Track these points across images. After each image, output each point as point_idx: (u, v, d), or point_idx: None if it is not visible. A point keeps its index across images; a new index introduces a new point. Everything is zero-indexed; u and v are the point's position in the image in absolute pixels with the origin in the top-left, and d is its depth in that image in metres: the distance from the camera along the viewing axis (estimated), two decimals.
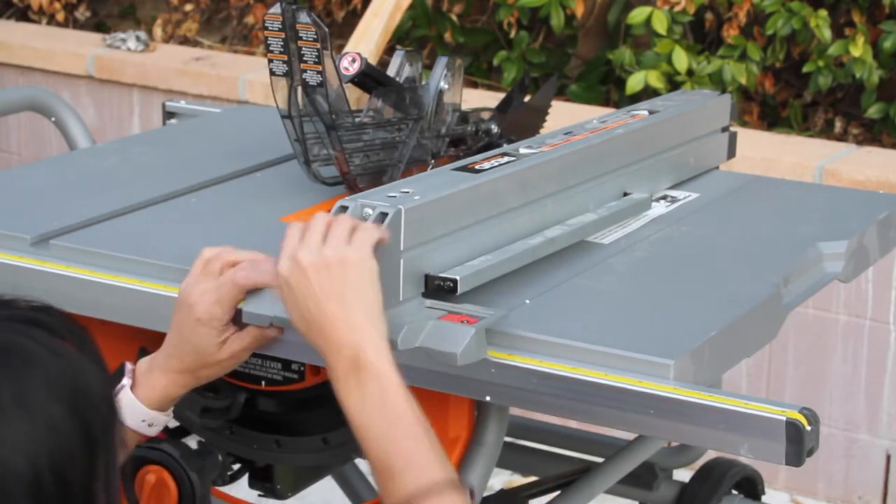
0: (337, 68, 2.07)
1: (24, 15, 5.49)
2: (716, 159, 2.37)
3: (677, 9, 4.30)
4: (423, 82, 2.19)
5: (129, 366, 1.77)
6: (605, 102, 4.54)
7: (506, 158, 1.93)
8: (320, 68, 2.04)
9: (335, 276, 1.59)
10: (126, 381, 1.76)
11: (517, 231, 1.90)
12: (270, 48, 2.05)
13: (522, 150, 1.97)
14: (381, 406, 1.57)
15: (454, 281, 1.73)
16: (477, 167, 1.89)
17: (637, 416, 1.61)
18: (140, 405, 1.76)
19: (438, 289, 1.74)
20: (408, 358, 1.65)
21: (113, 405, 1.32)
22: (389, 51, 4.15)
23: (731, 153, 2.40)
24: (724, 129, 2.38)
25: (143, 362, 1.77)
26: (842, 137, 4.33)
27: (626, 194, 2.11)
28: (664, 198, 2.19)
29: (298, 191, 2.16)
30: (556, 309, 1.78)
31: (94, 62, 4.76)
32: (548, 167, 1.95)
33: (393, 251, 1.68)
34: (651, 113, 2.21)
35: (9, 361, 1.25)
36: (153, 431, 1.79)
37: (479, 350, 1.65)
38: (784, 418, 1.54)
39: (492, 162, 1.91)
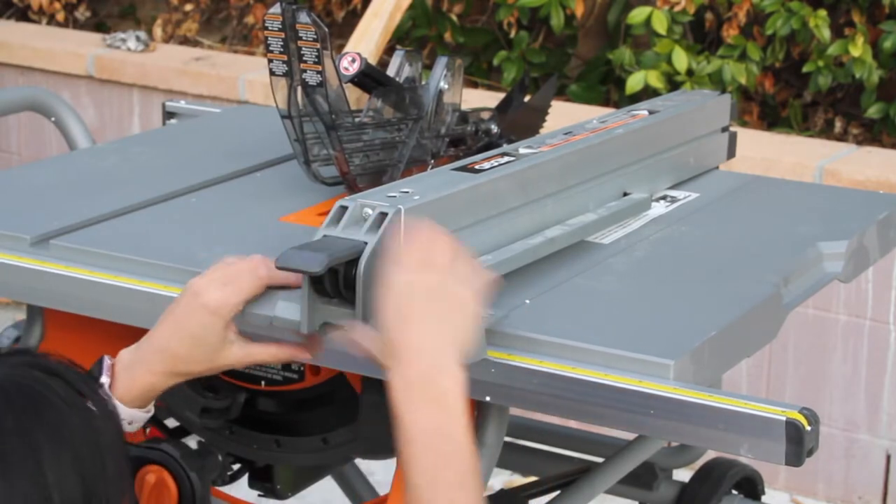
0: (337, 68, 2.07)
1: (24, 15, 5.50)
2: (716, 159, 2.37)
3: (677, 9, 4.30)
4: (423, 82, 2.19)
5: (107, 360, 1.71)
6: (605, 102, 4.54)
7: (506, 158, 1.93)
8: (320, 68, 2.03)
9: (444, 301, 1.54)
10: (105, 378, 1.69)
11: (517, 231, 1.89)
12: (270, 48, 2.05)
13: (522, 150, 1.97)
14: (436, 434, 1.47)
15: None
16: (477, 167, 1.89)
17: (637, 416, 1.61)
18: (118, 404, 1.68)
19: None
20: None
21: (123, 467, 1.31)
22: (389, 51, 4.15)
23: (731, 153, 2.40)
24: (724, 129, 2.38)
25: (125, 355, 1.71)
26: (842, 137, 4.33)
27: (626, 194, 2.11)
28: (664, 198, 2.19)
29: (298, 191, 2.16)
30: (556, 309, 1.78)
31: (94, 62, 4.76)
32: (548, 167, 1.95)
33: (392, 250, 1.68)
34: (651, 113, 2.21)
35: (24, 407, 1.25)
36: (133, 429, 1.72)
37: (478, 351, 1.65)
38: (784, 418, 1.54)
39: (492, 162, 1.91)
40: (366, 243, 1.65)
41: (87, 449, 1.27)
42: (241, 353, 1.70)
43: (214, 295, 1.67)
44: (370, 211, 1.69)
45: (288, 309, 1.70)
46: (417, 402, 1.48)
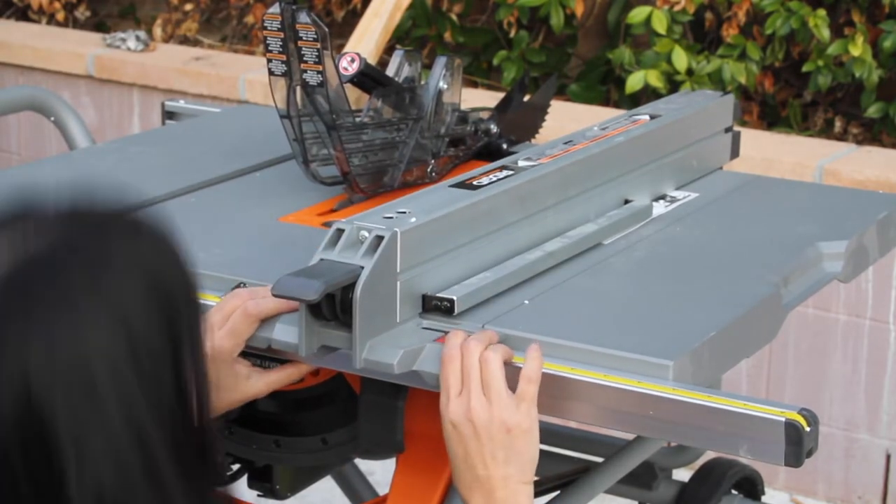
0: (337, 68, 2.07)
1: (24, 15, 5.49)
2: (719, 160, 2.36)
3: (677, 8, 4.30)
4: (423, 82, 2.19)
5: None
6: (605, 102, 4.54)
7: (504, 172, 1.92)
8: (320, 68, 2.03)
9: (504, 442, 1.62)
10: None
11: (516, 245, 1.89)
12: (269, 48, 2.05)
13: (521, 163, 1.96)
14: None
15: (451, 301, 1.73)
16: (475, 183, 1.88)
17: (637, 417, 1.61)
18: None
19: (436, 309, 1.74)
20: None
21: (195, 301, 1.32)
22: (389, 51, 4.15)
23: (735, 153, 2.40)
24: (728, 130, 2.37)
25: None
26: (842, 137, 4.33)
27: (627, 201, 2.10)
28: (664, 198, 2.19)
29: (298, 191, 2.16)
30: (556, 309, 1.78)
31: (94, 62, 4.76)
32: (547, 180, 1.95)
33: (389, 273, 1.68)
34: (653, 117, 2.20)
35: (88, 258, 1.24)
36: None
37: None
38: (783, 419, 1.54)
39: (490, 177, 1.90)
40: (362, 267, 1.65)
41: (158, 291, 1.27)
42: (261, 385, 1.77)
43: (209, 344, 1.68)
44: (366, 234, 1.69)
45: (286, 332, 1.72)
46: None
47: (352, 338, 1.65)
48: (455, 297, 1.73)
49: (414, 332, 1.70)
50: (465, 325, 1.71)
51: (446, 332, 1.69)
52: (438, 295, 1.73)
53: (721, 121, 2.35)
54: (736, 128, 2.40)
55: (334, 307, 1.66)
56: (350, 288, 1.64)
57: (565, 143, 2.05)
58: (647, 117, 2.20)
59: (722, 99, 2.35)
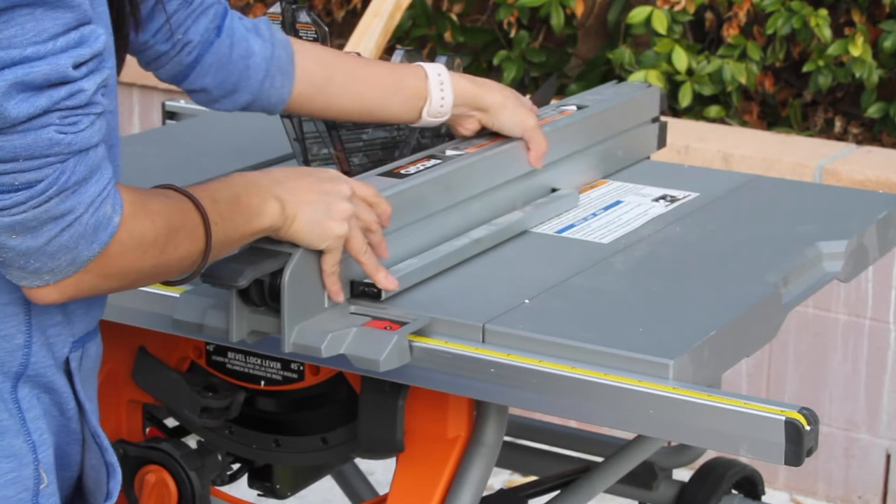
0: None
1: None
2: (645, 150, 2.41)
3: (677, 8, 4.30)
4: None
5: None
6: None
7: (432, 162, 1.97)
8: None
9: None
10: None
11: (444, 232, 1.93)
12: None
13: (449, 153, 2.01)
14: None
15: (378, 286, 1.76)
16: (402, 171, 1.92)
17: (637, 416, 1.61)
18: None
19: (363, 294, 1.77)
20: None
21: None
22: (389, 50, 4.15)
23: (662, 143, 2.44)
24: (654, 120, 2.41)
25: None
26: (842, 137, 4.33)
27: (554, 190, 2.14)
28: (664, 197, 2.19)
29: None
30: (555, 309, 1.78)
31: None
32: (473, 169, 1.99)
33: (317, 259, 1.71)
34: (579, 108, 2.25)
35: None
36: None
37: (401, 356, 1.68)
38: (783, 418, 1.54)
39: (417, 166, 1.95)
40: (290, 254, 1.68)
41: None
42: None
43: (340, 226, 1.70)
44: None
45: (216, 317, 1.74)
46: None
47: (280, 323, 1.68)
48: None
49: (342, 317, 1.73)
50: (392, 311, 1.74)
51: (373, 317, 1.72)
52: (366, 280, 1.76)
53: (647, 111, 2.40)
54: (662, 118, 2.43)
55: (263, 293, 1.69)
56: (278, 274, 1.67)
57: (492, 133, 2.09)
58: (573, 108, 2.25)
59: (648, 90, 2.40)
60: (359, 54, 2.10)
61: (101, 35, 1.41)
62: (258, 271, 1.67)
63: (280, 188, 1.66)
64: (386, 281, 1.76)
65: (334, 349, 1.68)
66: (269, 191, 1.64)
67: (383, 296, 1.77)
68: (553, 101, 2.32)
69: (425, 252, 1.89)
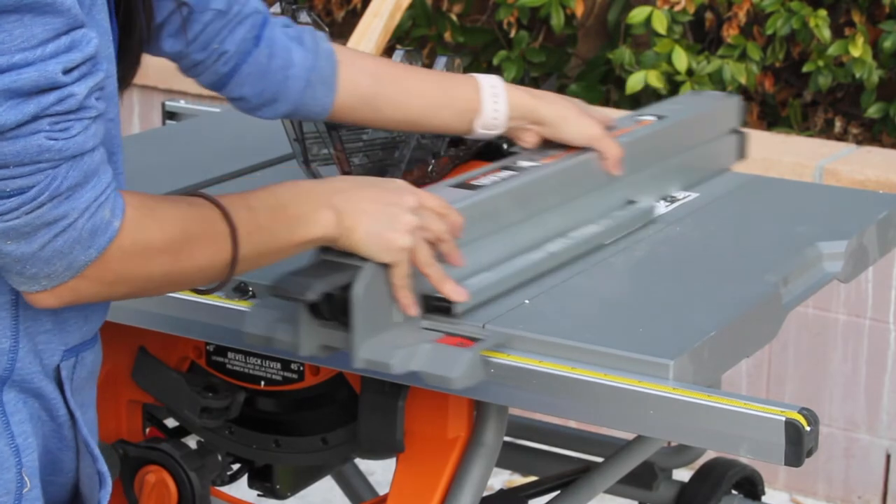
0: None
1: None
2: (725, 162, 2.35)
3: (677, 8, 4.30)
4: None
5: None
6: (605, 102, 4.54)
7: (505, 173, 1.92)
8: None
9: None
10: None
11: (518, 245, 1.88)
12: None
13: (522, 164, 1.96)
14: None
15: (450, 301, 1.72)
16: (475, 183, 1.88)
17: (637, 416, 1.61)
18: None
19: (435, 309, 1.73)
20: None
21: None
22: (389, 50, 4.15)
23: (742, 154, 2.39)
24: (734, 131, 2.37)
25: None
26: (842, 137, 4.33)
27: (631, 202, 2.09)
28: (664, 197, 2.19)
29: None
30: (555, 309, 1.78)
31: None
32: (548, 181, 1.94)
33: (386, 271, 1.67)
34: (658, 118, 2.20)
35: None
36: None
37: (475, 373, 1.64)
38: (783, 418, 1.54)
39: (490, 177, 1.90)
40: (361, 267, 1.64)
41: None
42: None
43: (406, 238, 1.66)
44: None
45: (285, 330, 1.70)
46: None
47: (350, 337, 1.64)
48: None
49: (413, 333, 1.69)
50: (465, 326, 1.71)
51: (446, 333, 1.68)
52: (438, 295, 1.73)
53: (727, 122, 2.35)
54: (742, 129, 2.39)
55: (333, 308, 1.65)
56: (348, 288, 1.63)
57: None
58: (652, 118, 2.20)
59: (727, 100, 2.35)
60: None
61: (92, 39, 1.41)
62: (327, 285, 1.62)
63: (339, 198, 1.63)
64: (454, 292, 1.71)
65: (405, 365, 1.64)
66: (325, 200, 1.62)
67: (456, 310, 1.72)
68: (631, 112, 2.28)
69: (499, 265, 1.84)
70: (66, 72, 1.38)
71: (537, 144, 2.04)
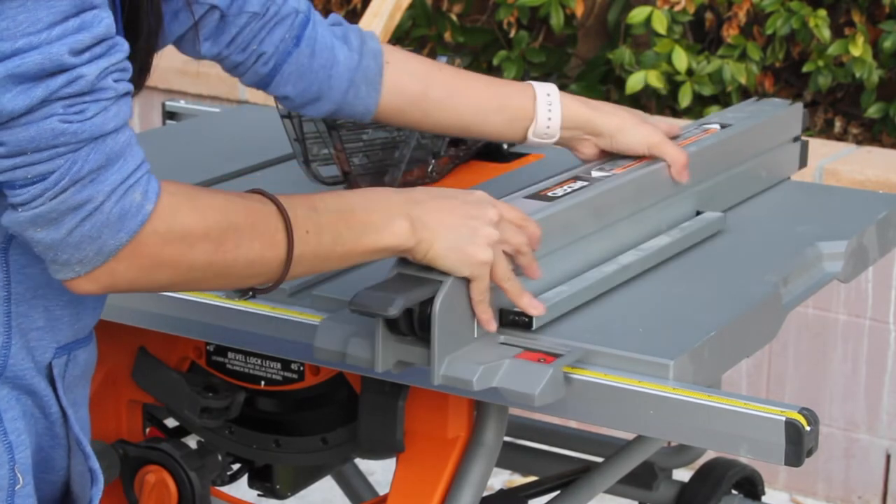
0: None
1: None
2: (787, 170, 2.33)
3: (677, 8, 4.30)
4: None
5: None
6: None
7: (578, 184, 1.89)
8: None
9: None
10: None
11: (590, 258, 1.86)
12: None
13: (595, 174, 1.93)
14: None
15: (529, 315, 1.69)
16: (550, 194, 1.84)
17: (637, 416, 1.61)
18: None
19: (513, 324, 1.70)
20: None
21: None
22: None
23: (803, 162, 2.37)
24: (796, 139, 2.34)
25: None
26: (842, 137, 4.33)
27: (699, 213, 2.07)
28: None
29: (298, 191, 2.14)
30: (555, 309, 1.78)
31: None
32: (621, 191, 1.91)
33: (466, 286, 1.64)
34: (723, 126, 2.18)
35: None
36: None
37: (556, 390, 1.61)
38: (783, 418, 1.54)
39: (564, 188, 1.87)
40: (441, 282, 1.61)
41: None
42: None
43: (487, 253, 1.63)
44: None
45: (361, 346, 1.66)
46: None
47: (430, 353, 1.60)
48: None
49: (492, 348, 1.66)
50: (544, 341, 1.67)
51: (525, 349, 1.65)
52: (516, 309, 1.69)
53: (790, 130, 2.32)
54: (804, 137, 2.36)
55: (412, 322, 1.62)
56: (428, 303, 1.60)
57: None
58: (717, 126, 2.17)
59: (791, 108, 2.31)
60: (465, 69, 2.07)
61: (104, 19, 1.39)
62: (409, 300, 1.58)
63: (417, 208, 1.60)
64: (531, 306, 1.68)
65: (486, 382, 1.61)
66: (401, 209, 1.59)
67: (534, 325, 1.70)
68: (696, 120, 2.25)
69: (574, 279, 1.81)
70: (76, 53, 1.37)
71: (595, 156, 2.01)
